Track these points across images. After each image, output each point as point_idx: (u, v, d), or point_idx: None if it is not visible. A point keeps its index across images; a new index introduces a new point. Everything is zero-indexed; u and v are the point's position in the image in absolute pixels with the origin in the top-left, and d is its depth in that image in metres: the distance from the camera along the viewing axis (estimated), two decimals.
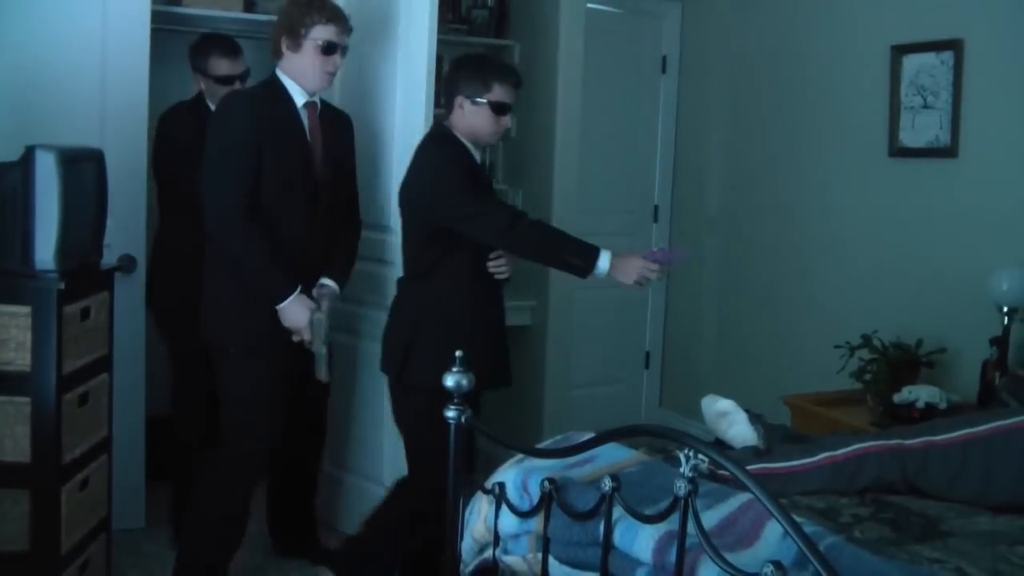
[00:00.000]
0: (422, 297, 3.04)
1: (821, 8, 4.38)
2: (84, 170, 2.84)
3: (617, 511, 1.80)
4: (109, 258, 3.17)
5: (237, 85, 3.58)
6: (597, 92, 4.78)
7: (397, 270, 3.52)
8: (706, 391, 2.90)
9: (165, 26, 3.93)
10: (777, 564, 1.38)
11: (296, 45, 3.01)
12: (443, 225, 2.95)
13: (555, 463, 2.11)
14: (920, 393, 3.39)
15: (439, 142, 3.07)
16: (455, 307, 3.01)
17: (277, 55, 3.07)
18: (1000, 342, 3.40)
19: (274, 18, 3.30)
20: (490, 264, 3.06)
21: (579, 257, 2.96)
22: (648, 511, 1.72)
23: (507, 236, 2.95)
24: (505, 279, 3.14)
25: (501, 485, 2.11)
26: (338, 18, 3.05)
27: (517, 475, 2.12)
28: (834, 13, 4.31)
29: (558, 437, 2.41)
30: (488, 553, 2.16)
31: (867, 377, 3.64)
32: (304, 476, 3.61)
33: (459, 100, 3.03)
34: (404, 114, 3.50)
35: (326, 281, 3.14)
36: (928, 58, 3.83)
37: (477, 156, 3.09)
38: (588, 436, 2.09)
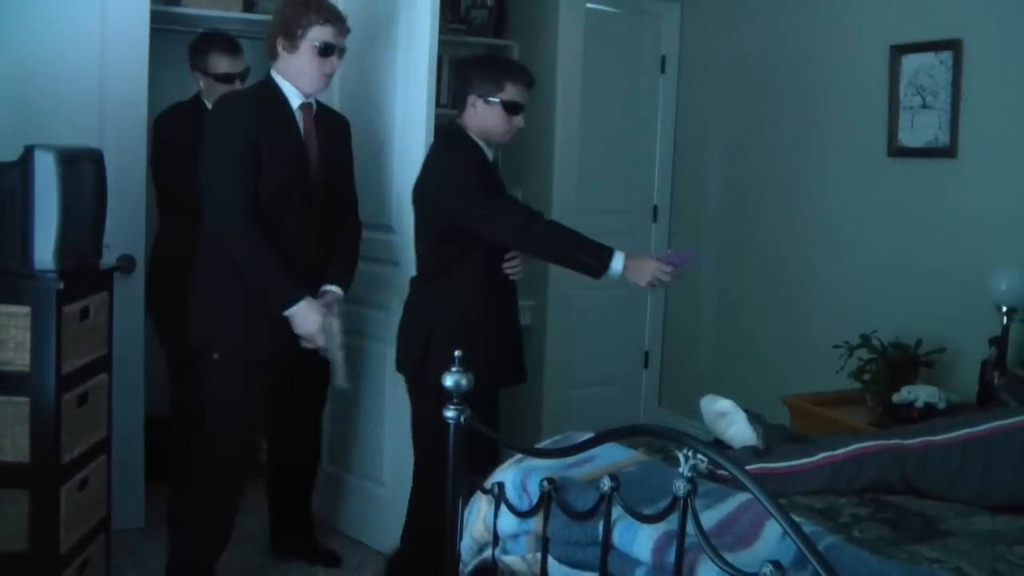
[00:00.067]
0: (437, 297, 3.05)
1: (820, 8, 4.38)
2: (83, 170, 2.84)
3: (616, 511, 1.80)
4: (108, 258, 3.17)
5: (237, 84, 3.58)
6: (596, 92, 4.79)
7: (399, 270, 3.52)
8: (705, 391, 2.90)
9: (164, 26, 3.94)
10: (776, 564, 1.38)
11: (293, 46, 2.97)
12: (458, 224, 2.96)
13: (554, 463, 2.11)
14: (919, 393, 3.39)
15: (453, 141, 3.08)
16: (471, 306, 3.03)
17: (273, 56, 3.03)
18: (999, 342, 3.40)
19: None
20: (505, 265, 3.09)
21: (593, 258, 2.97)
22: (647, 511, 1.72)
23: (522, 236, 2.96)
24: (517, 279, 3.18)
25: (500, 485, 2.11)
26: (335, 19, 3.00)
27: (516, 475, 2.12)
28: (833, 13, 4.31)
29: (557, 437, 2.40)
30: (487, 553, 2.16)
31: (866, 377, 3.64)
32: (301, 479, 3.59)
33: (472, 99, 3.04)
34: (405, 114, 3.50)
35: (330, 287, 3.11)
36: (927, 58, 3.83)
37: (490, 155, 3.10)
38: (587, 436, 2.09)
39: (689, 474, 1.58)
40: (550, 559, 1.98)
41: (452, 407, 2.23)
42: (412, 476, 3.24)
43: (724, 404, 2.68)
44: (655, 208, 5.35)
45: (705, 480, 1.93)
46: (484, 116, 3.04)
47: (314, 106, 3.10)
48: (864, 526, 2.20)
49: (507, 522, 2.09)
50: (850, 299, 4.20)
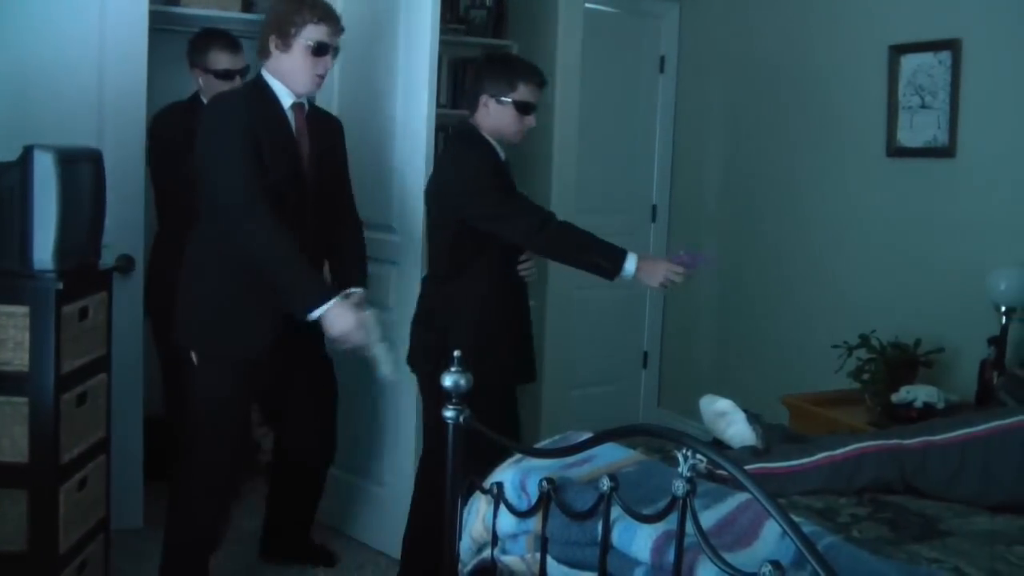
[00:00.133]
0: (454, 297, 3.05)
1: (819, 8, 4.38)
2: (82, 170, 2.84)
3: (615, 511, 1.80)
4: (107, 258, 3.17)
5: (237, 81, 3.57)
6: (595, 92, 4.79)
7: (400, 270, 3.53)
8: (704, 391, 2.90)
9: (163, 26, 3.93)
10: (775, 564, 1.38)
11: (286, 45, 2.90)
12: (473, 225, 2.96)
13: (553, 463, 2.11)
14: (918, 393, 3.39)
15: (468, 141, 3.08)
16: (488, 306, 3.04)
17: (264, 54, 2.95)
18: (998, 341, 3.40)
19: None
20: (521, 267, 3.12)
21: (607, 259, 2.98)
22: (646, 511, 1.72)
23: (537, 237, 2.97)
24: (531, 280, 3.22)
25: (499, 485, 2.11)
26: (330, 18, 2.94)
27: (515, 475, 2.12)
28: (832, 13, 4.31)
29: (556, 437, 2.40)
30: (486, 553, 2.16)
31: (865, 377, 3.64)
32: (304, 482, 3.48)
33: (484, 99, 3.05)
34: (405, 114, 3.50)
35: (353, 290, 3.01)
36: (926, 58, 3.84)
37: (502, 155, 3.11)
38: (586, 436, 2.09)
39: (688, 474, 1.58)
40: (549, 559, 1.98)
41: (451, 407, 2.23)
42: (415, 476, 3.24)
43: (723, 404, 2.68)
44: (654, 208, 5.35)
45: (704, 480, 1.93)
46: (496, 116, 3.05)
47: (306, 106, 3.04)
48: (863, 526, 2.20)
49: (506, 522, 2.09)
50: (849, 299, 4.20)
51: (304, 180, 3.00)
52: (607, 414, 4.64)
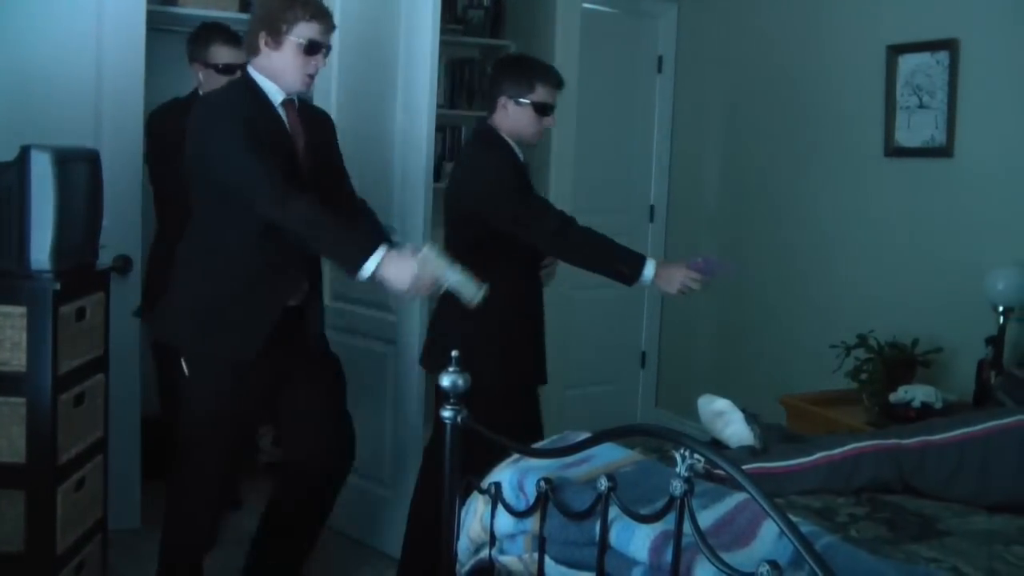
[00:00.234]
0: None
1: (817, 8, 4.38)
2: (79, 170, 2.84)
3: (613, 511, 1.80)
4: (105, 258, 3.17)
5: (238, 76, 3.56)
6: (593, 92, 4.79)
7: None
8: (702, 391, 2.90)
9: (160, 26, 3.93)
10: (773, 564, 1.38)
11: (276, 43, 2.77)
12: (495, 227, 2.95)
13: (551, 463, 2.11)
14: (916, 393, 3.39)
15: (489, 143, 3.08)
16: (510, 309, 3.04)
17: (253, 51, 2.81)
18: (996, 341, 3.40)
19: None
20: (544, 272, 3.16)
21: (627, 265, 2.99)
22: (644, 511, 1.72)
23: (558, 241, 2.98)
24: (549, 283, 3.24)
25: (497, 485, 2.11)
26: (322, 16, 2.82)
27: (513, 475, 2.11)
28: (830, 13, 4.31)
29: (554, 437, 2.40)
30: (484, 553, 2.16)
31: (863, 377, 3.64)
32: (321, 497, 3.15)
33: (502, 100, 3.06)
34: (405, 114, 3.50)
35: (394, 240, 2.87)
36: (924, 58, 3.84)
37: (521, 156, 3.11)
38: (584, 436, 2.08)
39: (686, 474, 1.58)
40: (547, 559, 1.97)
41: (449, 407, 2.23)
42: (417, 478, 3.23)
43: (721, 404, 2.68)
44: (652, 208, 5.36)
45: (702, 480, 1.93)
46: (515, 117, 3.06)
47: (296, 102, 2.93)
48: (861, 526, 2.20)
49: (504, 522, 2.08)
50: (847, 299, 4.20)
51: (302, 176, 2.92)
52: (605, 414, 4.64)
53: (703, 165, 5.12)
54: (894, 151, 4.00)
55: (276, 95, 2.83)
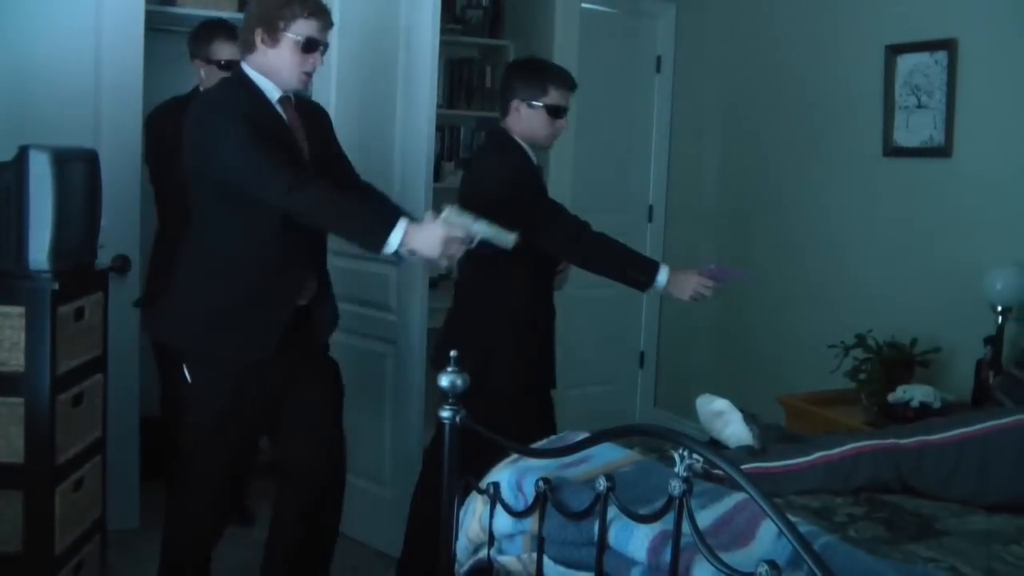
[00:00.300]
0: (490, 303, 3.07)
1: (815, 8, 4.38)
2: (78, 170, 2.84)
3: (612, 511, 1.80)
4: (103, 258, 3.16)
5: (231, 73, 3.55)
6: (591, 92, 4.77)
7: (400, 270, 3.53)
8: (701, 391, 2.90)
9: (159, 26, 3.93)
10: (772, 564, 1.38)
11: (273, 40, 2.70)
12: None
13: (550, 463, 2.11)
14: (914, 392, 3.39)
15: (504, 147, 3.08)
16: (527, 312, 3.07)
17: (249, 49, 2.74)
18: (994, 341, 3.40)
19: None
20: (559, 278, 3.19)
21: (641, 272, 3.01)
22: (643, 511, 1.72)
23: (573, 246, 3.00)
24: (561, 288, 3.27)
25: (495, 485, 2.11)
26: (321, 13, 2.76)
27: (512, 475, 2.11)
28: (828, 13, 4.31)
29: (553, 437, 2.40)
30: (483, 553, 2.16)
31: (862, 377, 3.64)
32: (322, 512, 3.04)
33: (515, 104, 3.06)
34: (405, 114, 3.51)
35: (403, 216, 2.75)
36: (922, 58, 3.84)
37: (535, 159, 3.11)
38: (583, 436, 2.08)
39: (685, 474, 1.58)
40: (546, 559, 1.97)
41: (447, 407, 2.23)
42: (418, 478, 3.23)
43: (720, 404, 2.68)
44: (650, 208, 5.36)
45: (701, 480, 1.93)
46: (528, 120, 3.06)
47: (292, 98, 2.86)
48: (860, 525, 2.20)
49: (503, 522, 2.08)
50: (845, 299, 4.20)
51: (305, 166, 2.82)
52: (604, 414, 4.64)
53: (702, 165, 5.12)
54: (892, 151, 4.00)
55: (273, 92, 2.76)
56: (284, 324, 2.79)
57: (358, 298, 3.60)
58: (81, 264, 2.91)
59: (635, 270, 3.03)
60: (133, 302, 3.64)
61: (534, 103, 3.04)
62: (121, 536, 3.51)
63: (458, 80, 4.96)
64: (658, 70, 5.29)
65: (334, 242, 3.06)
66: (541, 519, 1.95)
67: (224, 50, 3.55)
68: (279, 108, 2.79)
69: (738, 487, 1.53)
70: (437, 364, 3.17)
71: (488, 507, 2.12)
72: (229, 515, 3.15)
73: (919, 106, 3.87)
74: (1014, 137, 3.55)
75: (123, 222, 3.52)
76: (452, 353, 2.24)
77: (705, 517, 1.75)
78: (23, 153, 2.63)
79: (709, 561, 1.52)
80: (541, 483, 1.96)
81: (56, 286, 2.66)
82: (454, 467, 2.24)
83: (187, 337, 2.80)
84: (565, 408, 4.56)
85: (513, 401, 2.98)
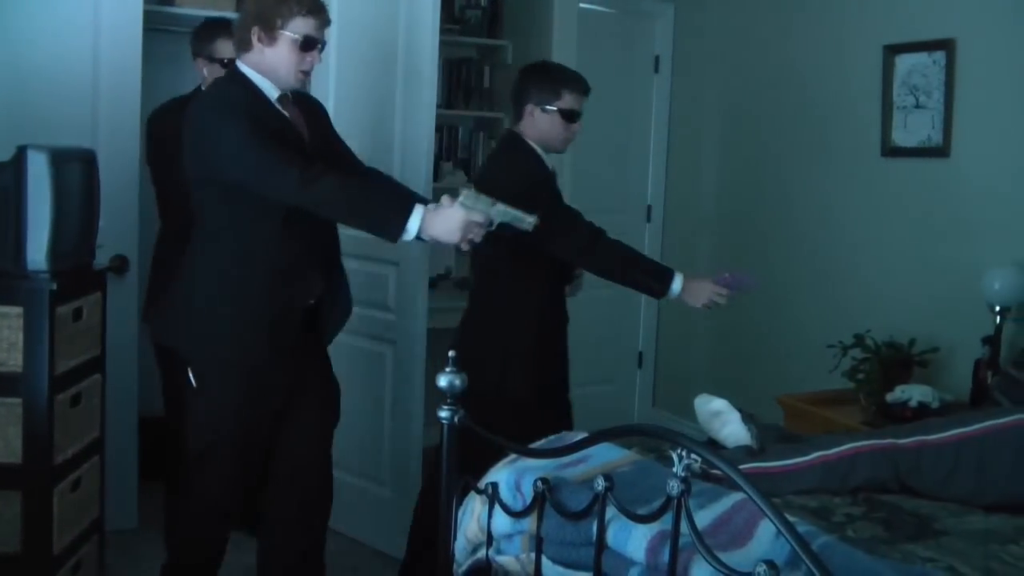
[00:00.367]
0: (509, 309, 3.07)
1: (814, 8, 4.39)
2: (76, 170, 2.83)
3: (610, 511, 1.80)
4: (102, 259, 3.16)
5: (227, 73, 3.54)
6: (590, 92, 4.77)
7: (400, 270, 3.53)
8: (699, 391, 2.91)
9: (157, 26, 3.93)
10: (770, 564, 1.38)
11: (270, 38, 2.64)
12: (528, 240, 2.87)
13: (548, 463, 2.11)
14: (913, 392, 3.40)
15: (516, 151, 3.08)
16: (544, 318, 3.08)
17: (245, 47, 2.68)
18: (992, 341, 3.41)
19: None
20: (573, 284, 3.22)
21: (655, 279, 3.03)
22: (641, 511, 1.72)
23: (589, 253, 3.01)
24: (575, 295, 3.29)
25: (494, 485, 2.11)
26: (318, 10, 2.68)
27: (510, 475, 2.11)
28: (827, 13, 4.31)
29: (551, 437, 2.40)
30: (481, 553, 2.16)
31: (860, 376, 3.64)
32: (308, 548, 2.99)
33: (529, 108, 3.07)
34: (405, 114, 3.50)
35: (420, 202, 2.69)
36: (920, 58, 3.84)
37: (549, 164, 3.11)
38: (581, 436, 2.09)
39: (683, 474, 1.58)
40: (544, 559, 1.97)
41: (446, 407, 2.23)
42: (424, 479, 3.23)
43: (718, 404, 2.68)
44: (649, 208, 5.36)
45: (699, 480, 1.93)
46: (542, 124, 3.06)
47: (290, 95, 2.80)
48: (858, 525, 2.20)
49: (501, 522, 2.09)
50: (844, 299, 4.21)
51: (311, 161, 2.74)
52: (602, 414, 4.62)
53: (700, 165, 5.12)
54: (891, 151, 4.00)
55: (271, 91, 2.71)
56: (295, 326, 2.75)
57: (358, 298, 3.58)
58: (79, 264, 2.90)
59: (650, 278, 3.04)
60: (141, 318, 3.61)
61: (548, 107, 3.04)
62: (119, 536, 3.51)
63: (456, 80, 4.96)
64: (656, 70, 5.29)
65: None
66: (539, 519, 1.95)
67: (228, 48, 3.53)
68: (279, 106, 2.74)
69: (736, 487, 1.53)
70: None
71: (487, 507, 2.12)
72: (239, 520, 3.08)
73: (917, 106, 3.87)
74: (1012, 137, 3.55)
75: (121, 222, 3.52)
76: (451, 354, 2.24)
77: (703, 517, 1.75)
78: (21, 153, 2.63)
79: (707, 561, 1.52)
80: (539, 483, 1.96)
81: (54, 286, 2.66)
82: (452, 467, 2.25)
83: (195, 341, 2.73)
84: None
85: (532, 405, 2.99)
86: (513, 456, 2.22)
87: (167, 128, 3.50)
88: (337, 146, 2.95)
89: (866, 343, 3.68)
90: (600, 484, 1.79)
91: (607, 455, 2.17)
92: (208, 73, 3.57)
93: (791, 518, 1.50)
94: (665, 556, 1.66)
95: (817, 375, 3.89)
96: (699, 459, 1.59)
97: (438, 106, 4.19)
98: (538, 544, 1.98)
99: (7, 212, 2.64)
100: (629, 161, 5.28)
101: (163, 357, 3.63)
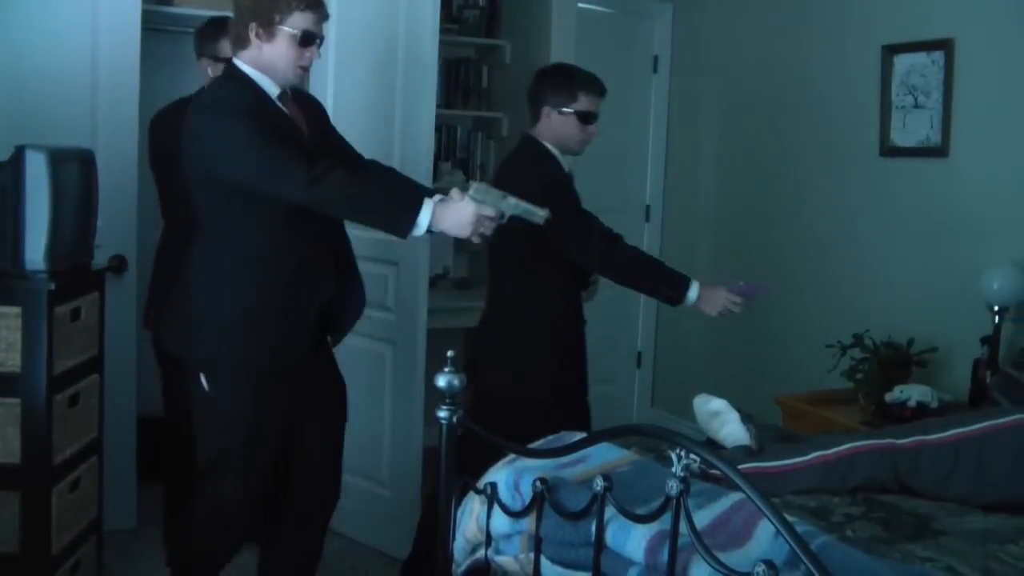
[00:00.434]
0: (528, 314, 3.07)
1: (812, 8, 4.39)
2: (74, 170, 2.84)
3: (609, 511, 1.80)
4: (100, 259, 3.16)
5: (224, 71, 3.54)
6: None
7: (400, 270, 3.53)
8: (698, 391, 2.91)
9: (156, 26, 3.92)
10: (769, 563, 1.38)
11: (269, 34, 2.58)
12: (542, 244, 2.90)
13: (547, 463, 2.11)
14: (911, 392, 3.40)
15: (533, 154, 3.08)
16: (562, 323, 3.09)
17: (242, 43, 2.62)
18: (991, 341, 3.41)
19: None
20: (589, 289, 3.23)
21: (672, 287, 3.03)
22: (640, 511, 1.72)
23: (607, 260, 3.01)
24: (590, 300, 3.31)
25: (493, 485, 2.11)
26: (316, 5, 2.63)
27: (509, 475, 2.11)
28: (825, 13, 4.31)
29: (550, 437, 2.40)
30: (480, 553, 2.16)
31: (859, 376, 3.64)
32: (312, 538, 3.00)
33: (546, 110, 3.07)
34: (405, 114, 3.50)
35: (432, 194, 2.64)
36: (919, 58, 3.84)
37: (566, 166, 3.10)
38: (580, 436, 2.09)
39: (682, 474, 1.58)
40: (543, 559, 1.97)
41: (444, 407, 2.23)
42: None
43: (717, 404, 2.69)
44: (647, 208, 5.35)
45: (698, 480, 1.93)
46: (559, 126, 3.07)
47: (289, 93, 2.76)
48: (857, 525, 2.20)
49: (500, 522, 2.08)
50: (842, 298, 4.20)
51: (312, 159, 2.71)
52: (601, 414, 4.58)
53: (698, 165, 5.12)
54: (889, 151, 4.00)
55: (271, 89, 2.66)
56: (307, 328, 2.70)
57: None
58: (78, 264, 2.90)
59: (666, 285, 3.04)
60: (142, 323, 3.59)
61: (564, 109, 3.05)
62: (118, 536, 3.51)
63: (455, 80, 4.96)
64: (655, 70, 5.29)
65: None
66: (538, 519, 1.95)
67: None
68: (279, 104, 2.70)
69: (735, 487, 1.53)
70: (469, 375, 3.15)
71: (486, 507, 2.12)
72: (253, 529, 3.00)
73: (916, 106, 3.87)
74: (1011, 137, 3.55)
75: (120, 222, 3.51)
76: (449, 353, 2.23)
77: (702, 517, 1.75)
78: (19, 153, 2.63)
79: (706, 561, 1.52)
80: (538, 483, 1.96)
81: (52, 286, 2.66)
82: (451, 467, 2.24)
83: (203, 348, 2.65)
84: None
85: (550, 405, 3.00)
86: (512, 456, 2.22)
87: (170, 130, 3.49)
88: (337, 143, 2.92)
89: (865, 343, 3.68)
90: (599, 484, 1.79)
91: (606, 455, 2.17)
92: (213, 73, 3.56)
93: (790, 518, 1.50)
94: (664, 556, 1.66)
95: (816, 375, 3.89)
96: (698, 459, 1.59)
97: (437, 106, 4.19)
98: (537, 544, 1.98)
99: (5, 212, 2.64)
100: (628, 161, 5.28)
101: (164, 359, 3.63)
